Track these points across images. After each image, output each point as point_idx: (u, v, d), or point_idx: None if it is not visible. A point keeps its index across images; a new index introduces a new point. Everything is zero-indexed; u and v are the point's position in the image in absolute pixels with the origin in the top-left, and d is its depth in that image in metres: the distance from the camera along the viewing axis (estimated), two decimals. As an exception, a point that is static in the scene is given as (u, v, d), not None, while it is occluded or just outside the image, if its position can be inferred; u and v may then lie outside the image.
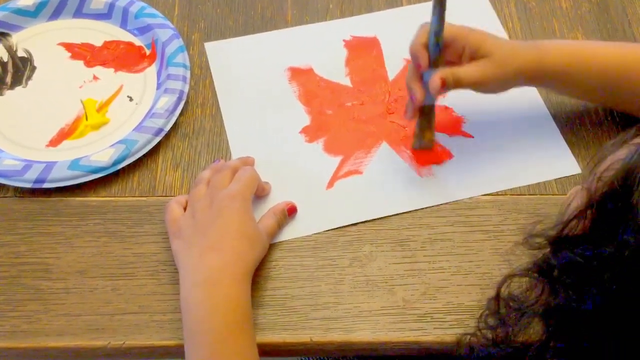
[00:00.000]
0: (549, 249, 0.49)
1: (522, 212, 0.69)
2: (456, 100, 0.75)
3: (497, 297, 0.53)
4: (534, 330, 0.50)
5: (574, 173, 0.72)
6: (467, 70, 0.67)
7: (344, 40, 0.81)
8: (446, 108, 0.76)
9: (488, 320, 0.54)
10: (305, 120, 0.75)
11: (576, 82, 0.70)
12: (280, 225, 0.67)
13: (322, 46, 0.81)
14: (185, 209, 0.66)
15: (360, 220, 0.68)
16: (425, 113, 0.70)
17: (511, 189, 0.70)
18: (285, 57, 0.80)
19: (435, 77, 0.65)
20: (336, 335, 0.62)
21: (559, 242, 0.48)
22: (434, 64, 0.66)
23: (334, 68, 0.79)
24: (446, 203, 0.69)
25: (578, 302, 0.44)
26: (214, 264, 0.60)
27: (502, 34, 0.82)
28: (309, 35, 0.82)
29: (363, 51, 0.80)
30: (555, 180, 0.71)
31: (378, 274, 0.65)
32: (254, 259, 0.63)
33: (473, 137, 0.74)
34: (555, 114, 0.76)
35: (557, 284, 0.47)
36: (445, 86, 0.66)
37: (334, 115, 0.76)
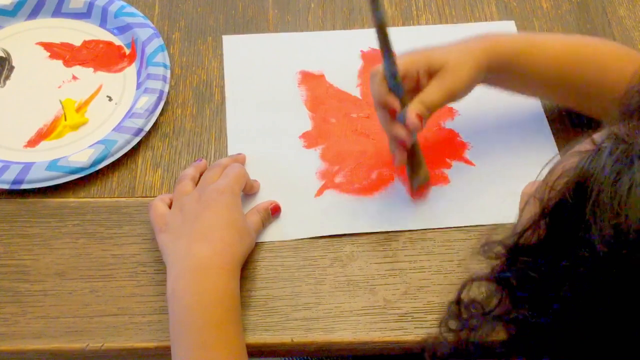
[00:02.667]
0: (505, 259, 0.48)
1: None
2: (464, 126, 0.74)
3: (458, 301, 0.52)
4: (498, 335, 0.50)
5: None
6: (432, 93, 0.64)
7: (361, 51, 0.81)
8: (452, 132, 0.74)
9: (449, 323, 0.53)
10: (307, 125, 0.75)
11: (529, 71, 0.69)
12: (264, 223, 0.67)
13: (338, 54, 0.80)
14: (169, 206, 0.65)
15: (345, 233, 0.67)
16: (412, 152, 0.67)
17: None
18: (299, 60, 0.79)
19: (412, 116, 0.63)
20: (317, 336, 0.62)
21: (515, 252, 0.47)
22: (401, 103, 0.64)
23: (346, 77, 0.78)
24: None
25: (536, 316, 0.43)
26: (202, 253, 0.60)
27: None
28: (327, 41, 0.82)
29: (378, 64, 0.79)
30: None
31: (359, 274, 0.65)
32: (243, 250, 0.63)
33: (475, 165, 0.72)
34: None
35: (515, 294, 0.46)
36: (422, 119, 0.63)
37: (337, 125, 0.75)
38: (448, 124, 0.75)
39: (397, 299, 0.64)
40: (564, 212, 0.43)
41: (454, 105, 0.75)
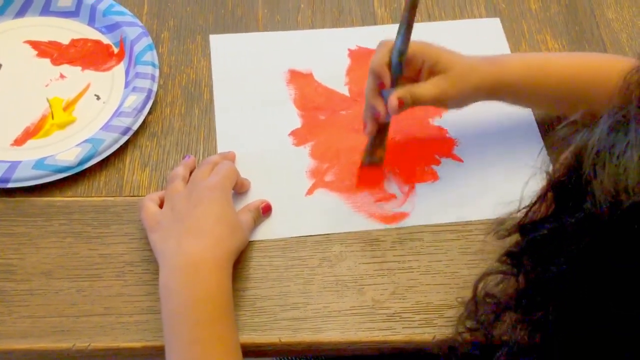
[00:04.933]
0: (517, 235, 0.49)
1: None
2: (452, 123, 0.75)
3: (474, 296, 0.52)
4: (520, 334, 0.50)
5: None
6: (425, 88, 0.66)
7: (349, 49, 0.81)
8: (440, 129, 0.75)
9: (466, 322, 0.53)
10: (297, 123, 0.75)
11: (534, 94, 0.71)
12: (256, 221, 0.67)
13: (326, 52, 0.80)
14: (160, 206, 0.65)
15: (335, 232, 0.67)
16: (380, 130, 0.68)
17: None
18: (287, 59, 0.79)
19: (393, 98, 0.64)
20: (305, 336, 0.62)
21: (525, 226, 0.48)
22: (394, 82, 0.65)
23: (334, 75, 0.78)
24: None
25: (543, 273, 0.44)
26: (193, 249, 0.60)
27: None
28: (315, 39, 0.82)
29: (366, 62, 0.76)
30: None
31: (347, 274, 0.65)
32: (235, 245, 0.62)
33: (463, 161, 0.73)
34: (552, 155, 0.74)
35: (527, 267, 0.47)
36: (403, 106, 0.65)
37: (326, 122, 0.75)
38: (436, 121, 0.75)
39: (385, 299, 0.64)
40: (567, 180, 0.44)
41: None
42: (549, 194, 0.46)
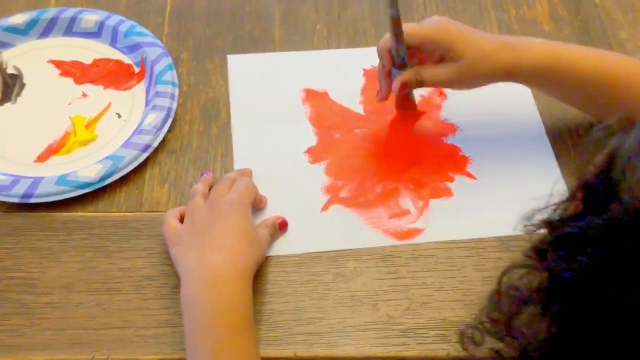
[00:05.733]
0: (545, 232, 0.50)
1: (505, 229, 0.70)
2: (465, 141, 0.76)
3: (499, 288, 0.52)
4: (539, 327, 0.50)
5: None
6: (433, 73, 0.69)
7: (363, 69, 0.82)
8: (454, 147, 0.76)
9: (490, 313, 0.53)
10: (312, 141, 0.76)
11: (552, 86, 0.72)
12: (272, 237, 0.68)
13: (342, 72, 0.82)
14: (180, 221, 0.66)
15: (349, 248, 0.68)
16: (402, 97, 0.75)
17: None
18: (303, 78, 0.81)
19: (397, 82, 0.70)
20: (320, 350, 0.62)
21: (553, 222, 0.49)
22: (399, 67, 0.70)
23: (349, 94, 0.80)
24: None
25: (567, 270, 0.45)
26: (214, 262, 0.61)
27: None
28: (330, 59, 0.83)
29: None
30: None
31: (362, 289, 0.66)
32: (254, 259, 0.63)
33: (476, 178, 0.74)
34: (566, 173, 0.74)
35: (551, 263, 0.47)
36: (407, 88, 0.71)
37: (341, 140, 0.76)
38: (450, 139, 0.76)
39: (399, 315, 0.64)
40: (597, 182, 0.45)
41: (455, 121, 0.78)
42: (579, 194, 0.47)
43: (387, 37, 0.70)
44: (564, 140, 0.77)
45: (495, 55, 0.68)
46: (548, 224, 0.49)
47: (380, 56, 0.71)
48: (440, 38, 0.68)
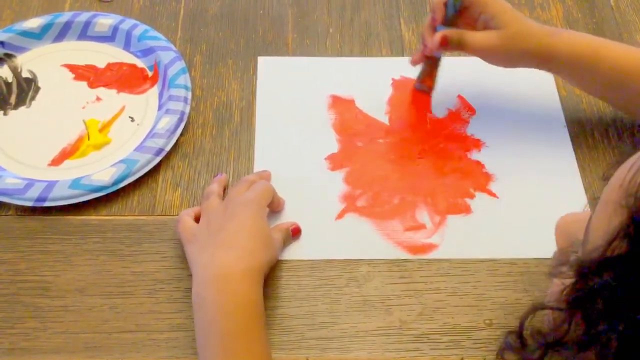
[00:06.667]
0: (579, 278, 0.42)
1: (519, 233, 0.69)
2: (490, 159, 0.74)
3: (520, 331, 0.47)
4: None
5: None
6: (474, 36, 0.70)
7: (392, 79, 0.82)
8: (478, 163, 0.74)
9: (506, 355, 0.49)
10: (334, 147, 0.76)
11: (584, 76, 0.72)
12: (285, 242, 0.68)
13: (370, 80, 0.81)
14: (195, 220, 0.67)
15: (362, 258, 0.68)
16: (431, 62, 0.76)
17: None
18: (331, 84, 0.81)
19: (438, 34, 0.70)
20: (332, 355, 0.62)
21: (598, 266, 0.40)
22: (449, 22, 0.71)
23: (375, 104, 0.79)
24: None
25: (608, 331, 0.39)
26: (225, 260, 0.61)
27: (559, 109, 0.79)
28: (359, 67, 0.83)
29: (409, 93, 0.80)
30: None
31: (375, 294, 0.65)
32: (266, 259, 0.63)
33: (498, 197, 0.72)
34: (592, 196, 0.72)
35: (590, 314, 0.41)
36: (446, 45, 0.70)
37: (363, 149, 0.76)
38: (474, 155, 0.75)
39: (412, 320, 0.64)
40: None
41: (481, 137, 0.76)
42: (631, 229, 0.39)
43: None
44: (594, 159, 0.75)
45: (538, 36, 0.69)
46: (593, 266, 0.41)
47: (433, 10, 0.72)
48: (487, 3, 0.69)
